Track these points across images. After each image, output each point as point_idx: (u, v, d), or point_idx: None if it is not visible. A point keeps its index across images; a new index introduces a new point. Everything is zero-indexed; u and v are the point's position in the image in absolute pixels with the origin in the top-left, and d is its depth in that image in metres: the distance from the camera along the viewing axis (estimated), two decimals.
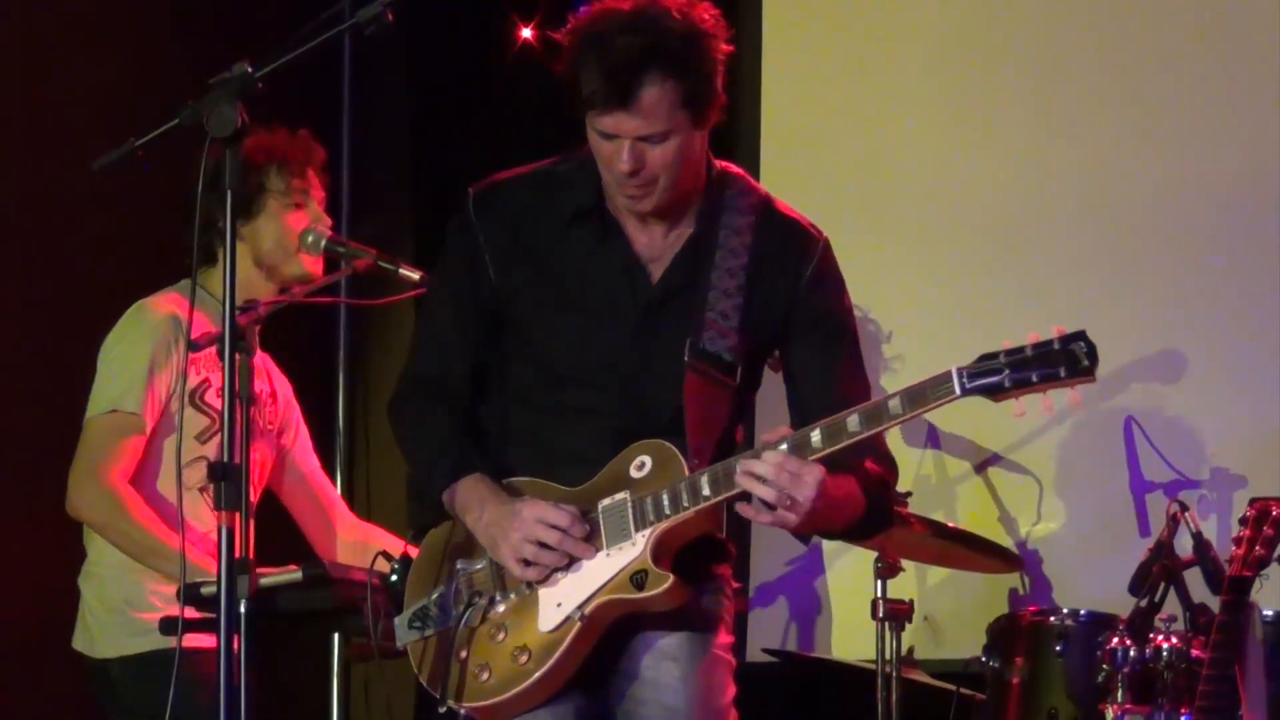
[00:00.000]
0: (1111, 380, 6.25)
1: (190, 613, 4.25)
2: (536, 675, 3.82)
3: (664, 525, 3.79)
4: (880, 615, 5.54)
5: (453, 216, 4.06)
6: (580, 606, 3.82)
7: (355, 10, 3.81)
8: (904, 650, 5.60)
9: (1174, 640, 4.98)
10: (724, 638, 3.98)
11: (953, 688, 5.66)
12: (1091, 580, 6.17)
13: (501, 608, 3.91)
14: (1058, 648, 5.22)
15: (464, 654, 3.90)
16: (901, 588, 5.64)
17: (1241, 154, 6.27)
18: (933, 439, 6.44)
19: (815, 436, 3.70)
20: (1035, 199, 6.52)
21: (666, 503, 3.79)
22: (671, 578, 3.78)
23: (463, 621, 3.92)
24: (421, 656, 3.97)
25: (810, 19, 6.94)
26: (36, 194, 6.09)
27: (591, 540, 3.85)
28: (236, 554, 3.79)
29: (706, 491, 3.77)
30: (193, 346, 4.46)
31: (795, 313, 3.96)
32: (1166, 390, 6.26)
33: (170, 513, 5.03)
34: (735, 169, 4.05)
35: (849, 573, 6.28)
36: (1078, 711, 5.17)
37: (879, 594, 5.55)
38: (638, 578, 3.80)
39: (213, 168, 4.98)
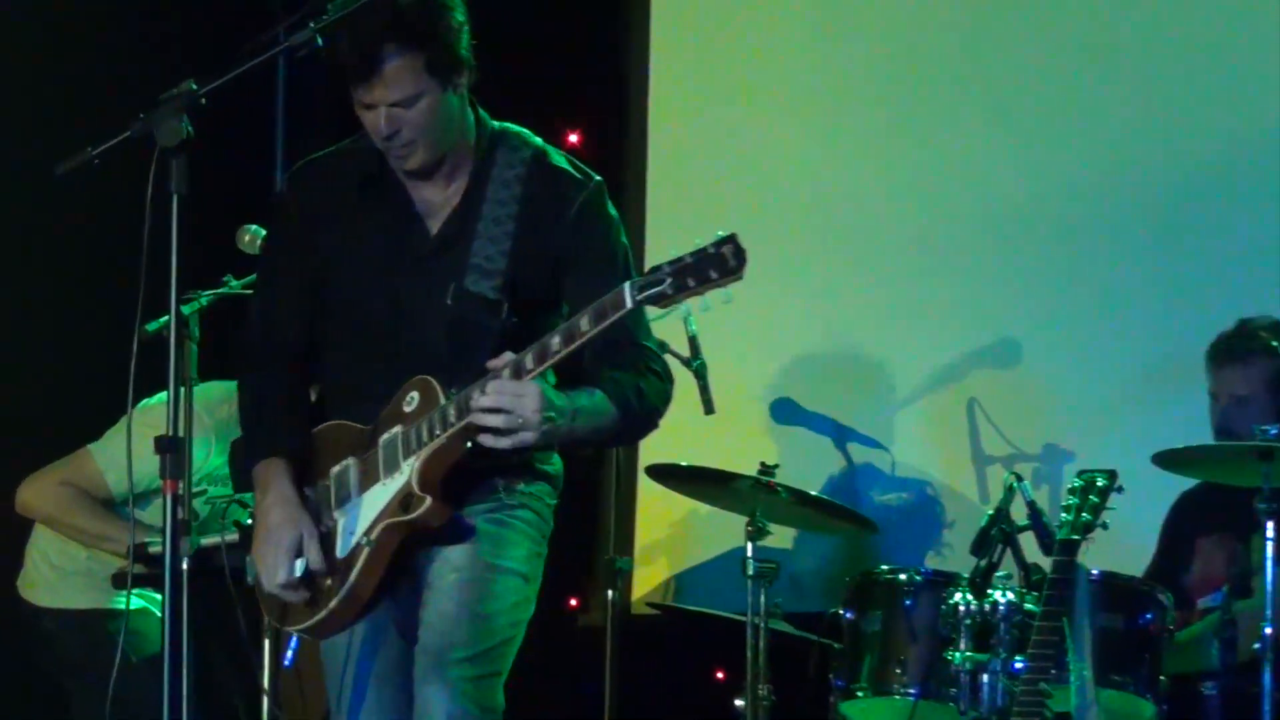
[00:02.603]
0: (956, 365, 6.56)
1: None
2: (338, 597, 4.05)
3: (424, 452, 4.00)
4: (750, 573, 5.70)
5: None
6: (366, 532, 4.05)
7: (289, 35, 3.98)
8: (771, 604, 5.75)
9: (1010, 595, 5.17)
10: (514, 550, 4.12)
11: (814, 637, 5.86)
12: (937, 542, 6.47)
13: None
14: (907, 602, 5.39)
15: None
16: (769, 548, 5.80)
17: (1073, 158, 6.52)
18: (800, 417, 6.66)
19: (528, 359, 3.90)
20: (885, 201, 6.73)
21: (424, 432, 4.00)
22: (429, 499, 3.98)
23: None
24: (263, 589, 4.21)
25: (698, 20, 7.06)
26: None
27: (373, 473, 4.07)
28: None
29: (452, 419, 3.97)
30: (143, 333, 4.65)
31: (564, 249, 4.12)
32: (1004, 374, 6.53)
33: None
34: (515, 128, 4.22)
35: (723, 535, 6.39)
36: (925, 659, 5.33)
37: (749, 554, 5.71)
38: (406, 501, 4.01)
39: None
